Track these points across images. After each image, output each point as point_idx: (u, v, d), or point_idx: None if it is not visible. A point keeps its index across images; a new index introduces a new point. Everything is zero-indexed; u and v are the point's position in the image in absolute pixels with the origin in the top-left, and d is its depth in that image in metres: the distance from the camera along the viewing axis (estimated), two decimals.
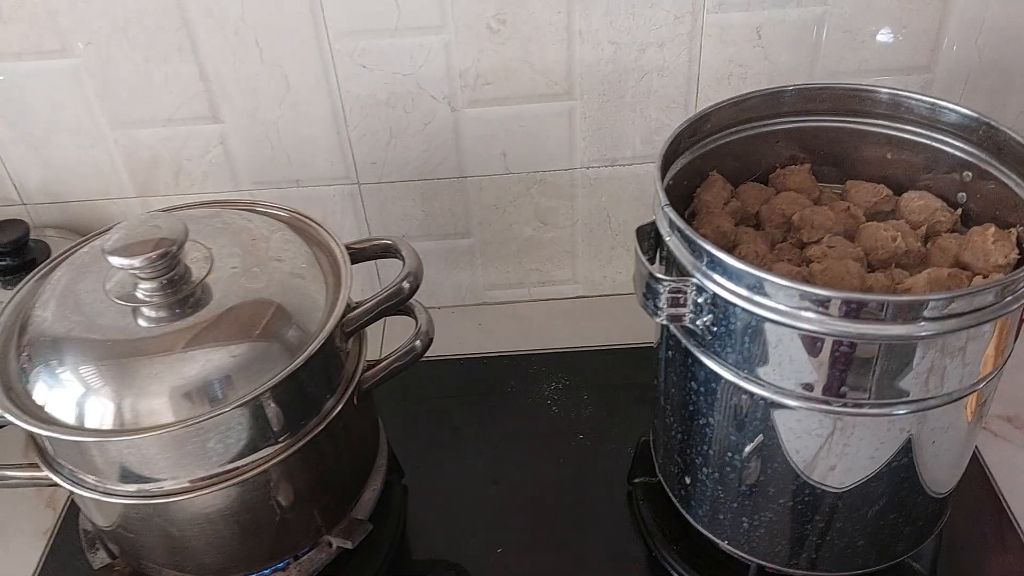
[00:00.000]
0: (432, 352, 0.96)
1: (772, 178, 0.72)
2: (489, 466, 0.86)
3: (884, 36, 0.85)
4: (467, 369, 0.97)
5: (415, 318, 0.74)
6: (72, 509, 0.83)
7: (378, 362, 0.71)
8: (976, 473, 0.81)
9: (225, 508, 0.64)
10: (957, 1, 0.83)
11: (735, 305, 0.55)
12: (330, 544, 0.73)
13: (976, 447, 0.82)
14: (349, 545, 0.72)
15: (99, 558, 0.73)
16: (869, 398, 0.56)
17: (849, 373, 0.55)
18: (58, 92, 0.88)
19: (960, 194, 0.68)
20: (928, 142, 0.68)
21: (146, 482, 0.62)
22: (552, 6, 0.83)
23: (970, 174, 0.66)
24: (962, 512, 0.76)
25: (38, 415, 0.61)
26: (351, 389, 0.68)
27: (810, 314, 0.53)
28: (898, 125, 0.69)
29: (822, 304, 0.52)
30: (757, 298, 0.54)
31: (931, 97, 0.66)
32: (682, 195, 0.70)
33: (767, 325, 0.55)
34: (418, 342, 0.72)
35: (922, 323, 0.52)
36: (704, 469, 0.67)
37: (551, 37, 0.85)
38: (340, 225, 0.98)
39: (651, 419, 0.76)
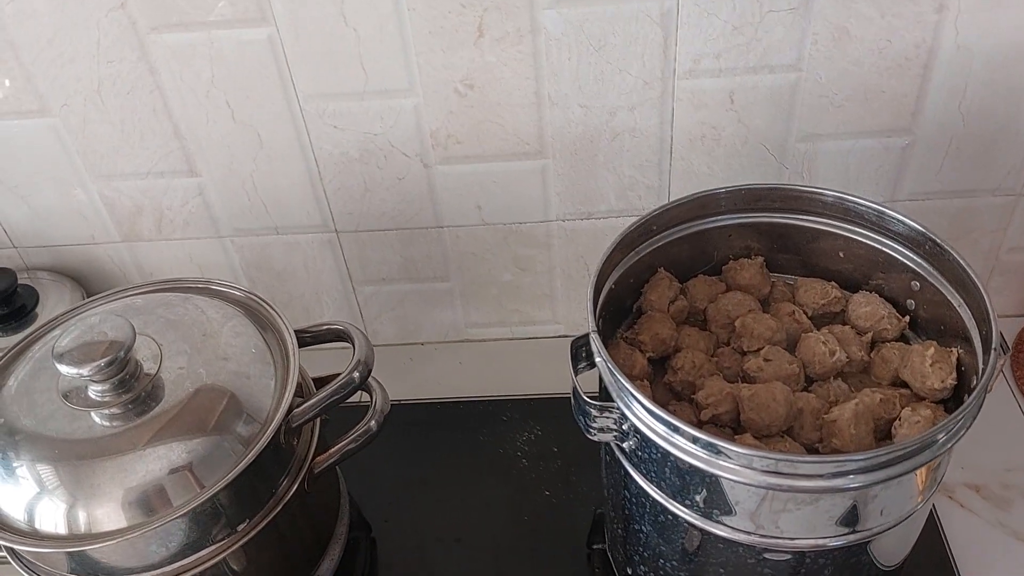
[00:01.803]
0: (409, 393, 0.99)
1: (725, 270, 0.72)
2: (454, 522, 0.87)
3: (862, 100, 0.83)
4: (442, 414, 0.98)
5: (371, 396, 0.75)
6: None
7: (331, 446, 0.72)
8: (933, 547, 0.80)
9: None
10: (938, 67, 0.80)
11: (652, 440, 0.56)
12: None
13: (937, 518, 0.82)
14: None
15: None
16: (788, 535, 0.56)
17: (771, 514, 0.55)
18: (40, 148, 0.89)
19: (909, 301, 0.67)
20: (878, 246, 0.67)
21: None
22: (519, 72, 0.82)
23: (918, 284, 0.65)
24: None
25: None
26: (301, 476, 0.70)
27: (719, 461, 0.53)
28: (847, 226, 0.67)
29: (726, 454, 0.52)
30: (671, 436, 0.54)
31: (878, 204, 0.65)
32: (632, 291, 0.70)
33: (680, 464, 0.55)
34: (373, 422, 0.73)
35: (845, 478, 0.52)
36: (641, 567, 0.68)
37: (520, 100, 0.84)
38: (320, 270, 0.99)
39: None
